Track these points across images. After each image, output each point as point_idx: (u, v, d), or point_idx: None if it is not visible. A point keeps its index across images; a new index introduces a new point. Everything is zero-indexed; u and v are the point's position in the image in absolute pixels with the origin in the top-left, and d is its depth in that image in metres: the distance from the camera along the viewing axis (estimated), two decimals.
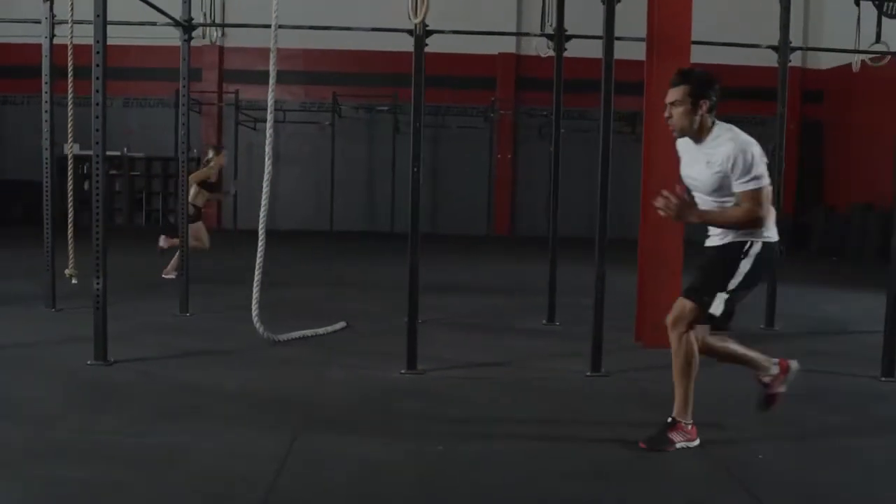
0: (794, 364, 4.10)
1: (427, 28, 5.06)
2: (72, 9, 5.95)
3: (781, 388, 4.09)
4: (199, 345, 5.94)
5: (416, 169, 5.29)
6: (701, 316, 3.84)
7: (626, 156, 14.69)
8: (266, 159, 6.02)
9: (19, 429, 3.94)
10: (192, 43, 16.78)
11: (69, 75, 6.08)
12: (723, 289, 3.81)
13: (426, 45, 5.29)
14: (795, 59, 16.78)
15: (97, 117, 5.19)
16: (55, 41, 6.85)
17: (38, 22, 6.94)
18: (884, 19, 7.38)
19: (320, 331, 6.45)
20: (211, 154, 9.61)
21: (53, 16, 6.87)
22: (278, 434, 3.98)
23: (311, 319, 6.68)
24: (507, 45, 16.84)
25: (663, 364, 5.69)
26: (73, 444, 3.76)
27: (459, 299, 8.40)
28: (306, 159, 17.02)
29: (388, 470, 3.62)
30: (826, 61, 16.43)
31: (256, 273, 5.95)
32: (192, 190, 8.90)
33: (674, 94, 3.78)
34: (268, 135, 6.10)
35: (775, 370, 4.06)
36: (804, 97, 16.94)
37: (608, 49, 5.26)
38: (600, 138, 5.35)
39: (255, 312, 5.92)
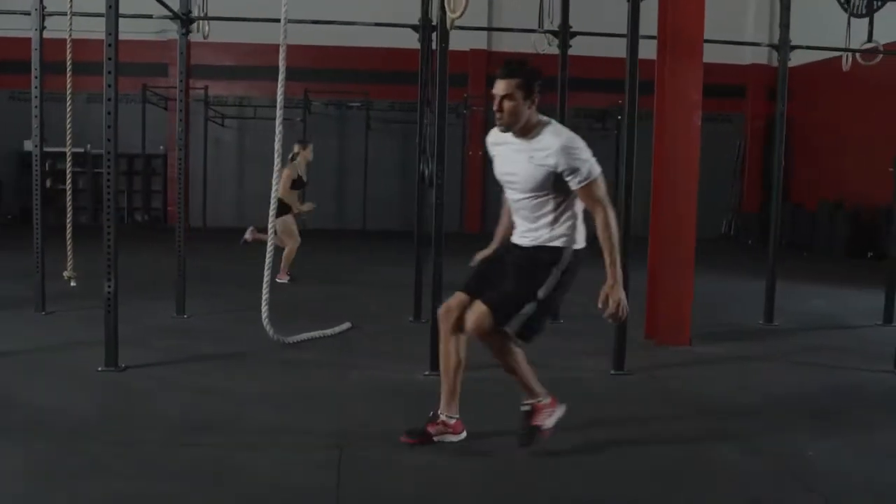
0: (561, 408, 3.95)
1: (456, 25, 4.94)
2: (71, 1, 5.70)
3: (547, 422, 3.88)
4: (206, 348, 5.77)
5: (440, 170, 5.16)
6: (499, 326, 3.67)
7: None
8: (275, 156, 5.86)
9: (52, 442, 3.75)
10: (158, 37, 16.39)
11: (68, 70, 5.82)
12: (529, 300, 3.65)
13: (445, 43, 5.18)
14: (761, 57, 17.28)
15: (109, 113, 5.01)
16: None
17: (28, 13, 6.66)
18: (875, 17, 7.46)
19: (328, 332, 6.32)
20: (296, 149, 9.12)
21: (44, 7, 6.61)
22: (321, 441, 3.88)
23: (310, 320, 6.55)
24: (479, 42, 16.79)
25: (682, 362, 5.77)
26: (115, 457, 3.59)
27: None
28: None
29: (448, 478, 3.54)
30: (793, 59, 16.70)
31: (266, 274, 5.79)
32: (282, 186, 8.42)
33: (505, 86, 3.55)
34: (277, 132, 5.93)
35: (546, 400, 3.91)
36: (770, 95, 17.21)
37: (633, 48, 5.23)
38: (624, 138, 5.30)
39: (265, 314, 5.76)
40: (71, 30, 5.76)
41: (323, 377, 5.18)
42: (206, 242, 12.46)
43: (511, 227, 3.86)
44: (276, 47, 5.54)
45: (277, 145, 5.86)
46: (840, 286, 10.06)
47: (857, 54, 7.67)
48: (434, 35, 7.00)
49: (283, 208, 8.43)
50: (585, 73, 14.10)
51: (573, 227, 3.69)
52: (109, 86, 4.97)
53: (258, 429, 4.07)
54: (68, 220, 5.99)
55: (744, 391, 5.08)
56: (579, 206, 3.68)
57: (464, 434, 3.85)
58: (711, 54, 16.79)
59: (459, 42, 16.59)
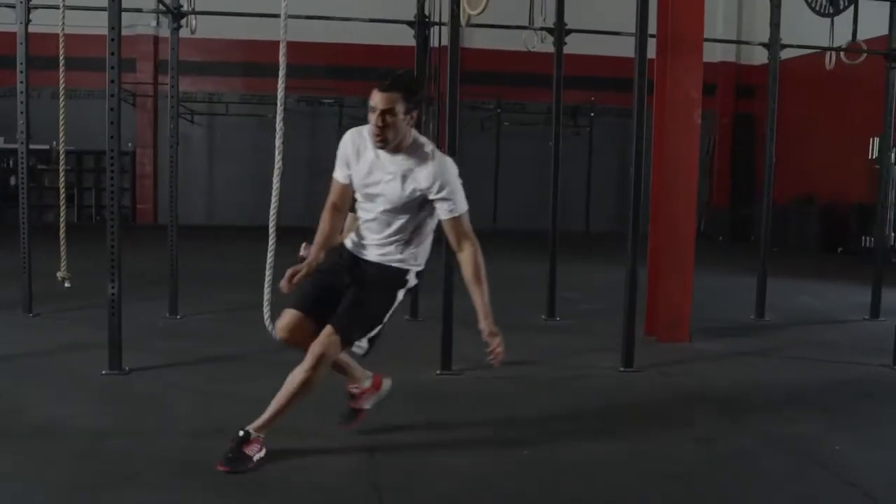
0: (386, 382, 3.94)
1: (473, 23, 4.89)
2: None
3: (367, 405, 3.90)
4: (207, 349, 5.64)
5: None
6: (345, 349, 3.56)
7: (567, 149, 14.99)
8: (276, 153, 5.73)
9: (71, 450, 3.61)
10: (124, 32, 16.13)
11: (60, 66, 5.64)
12: (379, 323, 3.58)
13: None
14: (729, 55, 17.52)
15: (112, 109, 4.87)
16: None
17: (12, 6, 6.45)
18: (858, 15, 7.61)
19: None
20: None
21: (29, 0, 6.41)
22: (348, 443, 3.81)
23: None
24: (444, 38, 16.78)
25: (686, 358, 5.81)
26: (139, 465, 3.48)
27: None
28: (247, 153, 16.52)
29: (484, 480, 3.50)
30: (759, 57, 16.95)
31: (267, 273, 5.69)
32: None
33: (387, 100, 3.29)
34: (278, 128, 5.80)
35: (368, 384, 3.91)
36: (738, 93, 17.48)
37: (641, 47, 5.23)
38: (633, 136, 5.30)
39: (266, 315, 5.66)
40: (63, 24, 5.60)
41: (331, 379, 5.08)
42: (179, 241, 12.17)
43: (332, 232, 3.65)
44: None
45: (279, 142, 5.74)
46: (819, 281, 10.24)
47: (842, 53, 7.79)
48: (431, 32, 6.98)
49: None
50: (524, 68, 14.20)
51: (424, 249, 3.60)
52: (112, 81, 4.84)
53: (279, 432, 3.98)
54: (62, 219, 5.84)
55: (754, 387, 5.12)
56: (431, 227, 3.56)
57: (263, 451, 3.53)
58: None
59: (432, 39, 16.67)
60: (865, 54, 7.70)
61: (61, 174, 5.81)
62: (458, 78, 5.08)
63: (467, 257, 3.45)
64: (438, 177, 3.36)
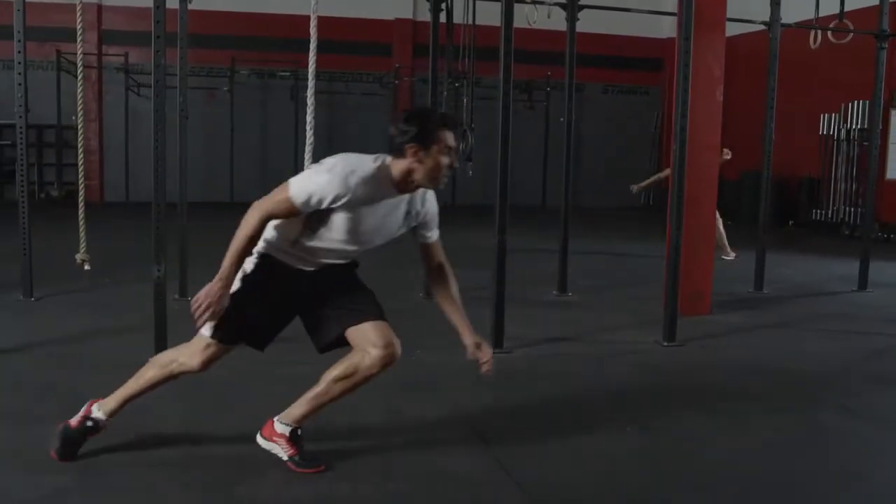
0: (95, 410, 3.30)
1: None
2: None
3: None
4: None
5: (504, 145, 5.05)
6: None
7: (524, 125, 15.04)
8: (307, 129, 5.58)
9: (175, 448, 3.43)
10: (66, 0, 15.32)
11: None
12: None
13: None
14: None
15: (158, 81, 4.63)
16: None
17: None
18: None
19: None
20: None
21: None
22: (454, 430, 3.75)
23: None
24: (405, 11, 16.58)
25: (718, 332, 5.94)
26: (254, 458, 3.35)
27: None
28: (196, 127, 15.96)
29: (610, 459, 3.49)
30: (669, 31, 17.24)
31: None
32: None
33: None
34: (309, 103, 5.63)
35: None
36: None
37: (687, 27, 5.26)
38: (678, 117, 5.34)
39: None
40: None
41: None
42: (134, 218, 11.72)
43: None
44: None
45: (310, 118, 5.59)
46: (787, 254, 10.58)
47: (829, 33, 8.03)
48: (444, 5, 6.85)
49: None
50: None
51: None
52: (157, 51, 4.58)
53: (378, 419, 3.88)
54: (80, 199, 5.55)
55: (798, 358, 5.26)
56: None
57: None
58: (630, 28, 17.17)
59: (383, 11, 16.47)
60: (851, 34, 7.94)
61: (79, 151, 5.50)
62: (511, 54, 5.01)
63: (452, 276, 3.32)
64: (431, 205, 3.24)
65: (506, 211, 5.12)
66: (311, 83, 5.63)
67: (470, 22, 5.70)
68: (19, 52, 6.07)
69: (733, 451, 3.61)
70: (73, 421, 3.26)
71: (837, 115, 13.90)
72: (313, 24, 5.59)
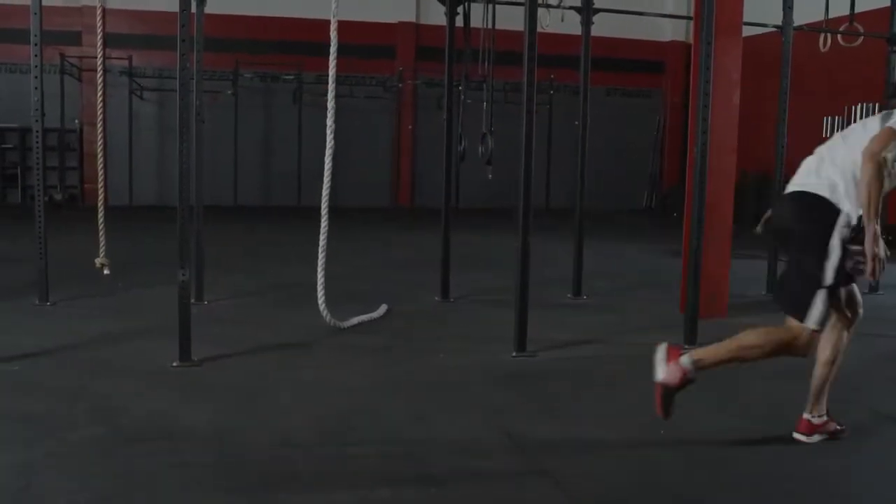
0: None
1: None
2: None
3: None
4: (261, 337, 5.42)
5: (528, 148, 5.05)
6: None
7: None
8: (328, 132, 5.61)
9: (205, 453, 3.42)
10: (67, 2, 15.32)
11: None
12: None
13: None
14: (679, 34, 17.86)
15: (183, 85, 4.62)
16: None
17: None
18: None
19: (374, 315, 6.13)
20: None
21: None
22: (489, 438, 3.74)
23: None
24: (408, 14, 16.59)
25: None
26: (281, 460, 3.35)
27: (458, 276, 8.14)
28: (200, 130, 15.93)
29: (648, 459, 3.50)
30: (681, 36, 17.36)
31: (320, 257, 5.56)
32: None
33: None
34: (329, 107, 5.66)
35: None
36: (687, 71, 17.84)
37: (708, 31, 5.27)
38: (701, 119, 5.35)
39: (321, 299, 5.53)
40: None
41: (410, 363, 4.99)
42: (138, 222, 11.75)
43: None
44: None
45: (330, 121, 5.62)
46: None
47: (839, 36, 8.05)
48: (461, 8, 6.84)
49: None
50: (513, 47, 14.14)
51: None
52: (183, 52, 4.56)
53: (411, 424, 3.87)
54: (100, 203, 5.53)
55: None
56: None
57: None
58: (632, 31, 17.14)
59: (387, 14, 16.45)
60: (861, 38, 7.97)
61: (100, 154, 5.48)
62: (535, 57, 5.01)
63: None
64: None
65: (529, 214, 5.11)
66: (331, 86, 5.68)
67: (489, 26, 5.66)
68: (36, 55, 6.06)
69: (777, 452, 3.62)
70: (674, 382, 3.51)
71: (841, 119, 13.92)
72: (333, 27, 5.64)
